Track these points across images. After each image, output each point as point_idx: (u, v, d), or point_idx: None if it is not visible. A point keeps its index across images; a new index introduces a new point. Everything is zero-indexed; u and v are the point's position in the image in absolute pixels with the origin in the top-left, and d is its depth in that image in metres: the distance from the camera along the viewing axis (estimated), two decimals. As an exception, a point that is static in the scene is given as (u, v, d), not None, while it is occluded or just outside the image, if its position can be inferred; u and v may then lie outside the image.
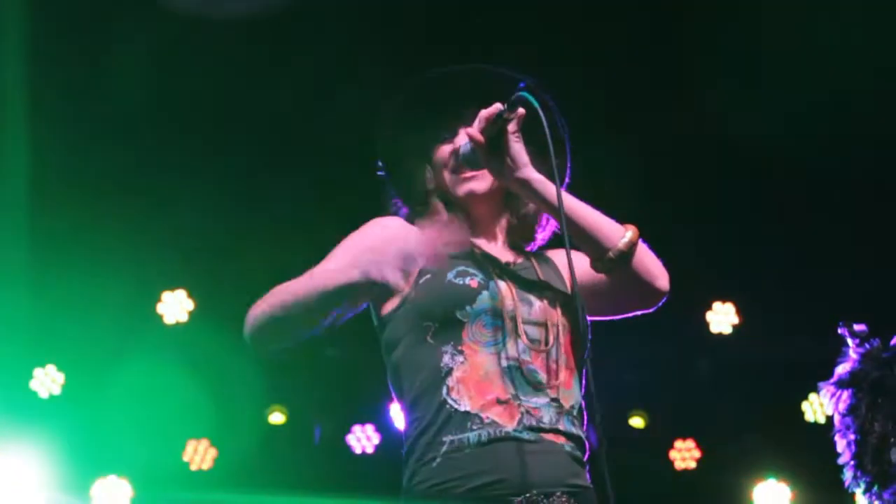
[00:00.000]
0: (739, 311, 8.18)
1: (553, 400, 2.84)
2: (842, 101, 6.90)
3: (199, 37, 6.66)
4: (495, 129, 2.84)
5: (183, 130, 7.08)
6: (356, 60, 6.79)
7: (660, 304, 3.02)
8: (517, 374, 2.82)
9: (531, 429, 2.78)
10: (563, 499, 2.76)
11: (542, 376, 2.85)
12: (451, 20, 6.82)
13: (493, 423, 2.76)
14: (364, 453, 7.60)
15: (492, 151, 2.87)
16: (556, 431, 2.81)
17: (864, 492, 3.89)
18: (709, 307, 8.14)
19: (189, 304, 7.50)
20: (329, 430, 7.63)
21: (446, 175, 3.03)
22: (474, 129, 2.86)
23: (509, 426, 2.77)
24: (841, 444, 3.97)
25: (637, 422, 7.74)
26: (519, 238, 3.13)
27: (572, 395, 2.90)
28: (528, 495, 2.72)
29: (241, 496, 6.87)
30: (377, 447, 7.61)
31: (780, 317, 7.89)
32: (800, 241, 7.65)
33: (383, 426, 7.59)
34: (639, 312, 3.08)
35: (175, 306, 7.49)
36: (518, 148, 2.87)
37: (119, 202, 7.02)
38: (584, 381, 2.95)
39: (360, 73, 6.75)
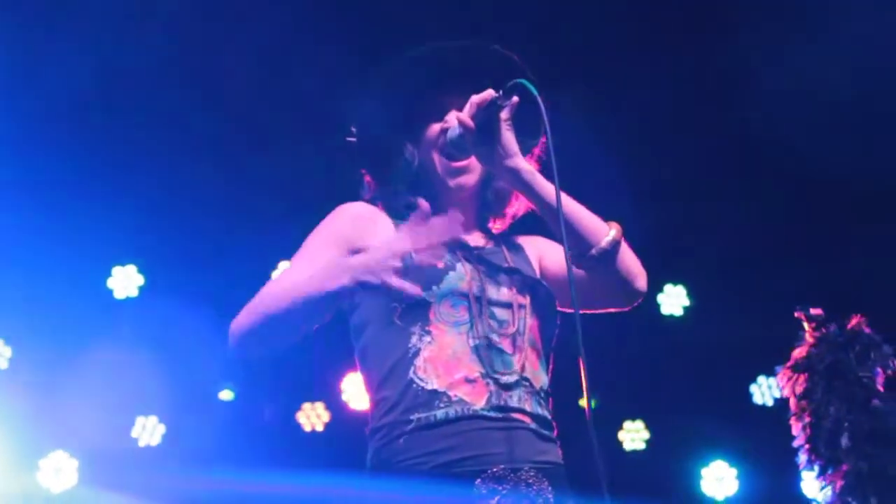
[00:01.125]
0: (691, 294, 8.22)
1: (523, 380, 2.86)
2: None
3: (148, 7, 6.60)
4: (487, 115, 2.84)
5: (134, 105, 7.02)
6: (314, 32, 6.74)
7: (635, 303, 3.03)
8: (486, 354, 2.83)
9: (499, 408, 2.80)
10: (531, 473, 2.78)
11: (511, 357, 2.86)
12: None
13: (461, 402, 2.78)
14: (314, 431, 7.58)
15: (481, 138, 2.87)
16: (523, 411, 2.83)
17: (818, 475, 3.93)
18: (660, 289, 8.17)
19: (139, 280, 7.44)
20: (279, 407, 7.60)
21: (435, 156, 3.04)
22: (465, 115, 2.86)
23: (477, 405, 2.78)
24: (796, 427, 4.01)
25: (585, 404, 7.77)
26: (489, 215, 3.13)
27: (540, 377, 2.92)
28: (494, 470, 2.74)
29: (190, 473, 6.84)
30: (327, 425, 7.59)
31: (730, 300, 7.94)
32: (752, 224, 7.70)
33: (333, 404, 7.57)
34: (613, 310, 3.09)
35: (125, 281, 7.42)
36: (509, 136, 2.87)
37: (68, 176, 6.95)
38: (550, 366, 2.97)
39: (320, 49, 6.71)
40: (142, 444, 7.25)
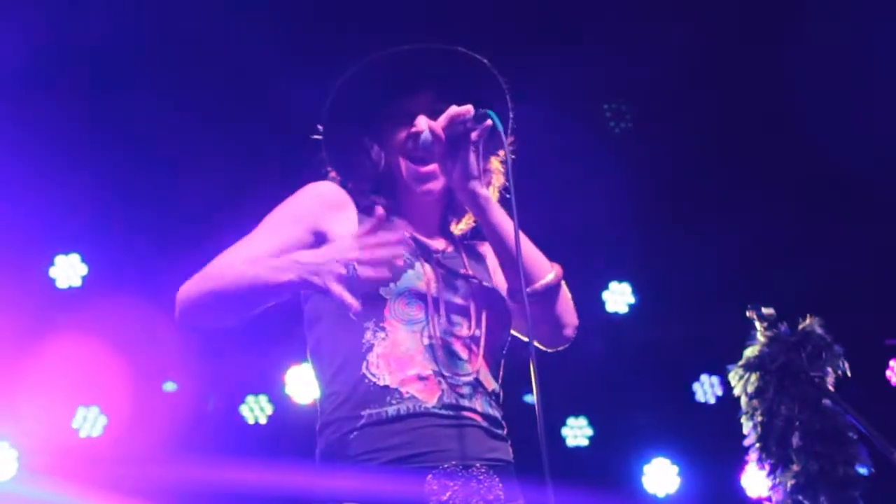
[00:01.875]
0: (635, 292, 8.26)
1: (475, 381, 2.86)
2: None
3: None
4: (458, 131, 2.85)
5: (78, 90, 6.93)
6: (260, 13, 6.71)
7: (559, 349, 3.04)
8: (439, 353, 2.83)
9: (450, 406, 2.80)
10: (483, 470, 2.78)
11: (464, 360, 2.87)
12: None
13: (413, 399, 2.78)
14: (257, 424, 7.55)
15: (448, 152, 2.88)
16: (474, 410, 2.84)
17: (769, 474, 3.96)
18: (605, 286, 8.21)
19: (83, 269, 7.37)
20: (222, 399, 7.56)
21: (401, 161, 3.03)
22: (438, 125, 2.87)
23: (429, 403, 2.79)
24: (747, 426, 4.04)
25: (531, 399, 7.79)
26: (453, 218, 3.13)
27: (491, 382, 2.92)
28: (446, 466, 2.74)
29: (131, 464, 6.79)
30: (270, 418, 7.56)
31: (674, 298, 7.99)
32: (697, 223, 7.75)
33: (277, 397, 7.55)
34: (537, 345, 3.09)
35: (68, 270, 7.35)
36: (472, 159, 2.88)
37: (9, 163, 6.86)
38: (501, 372, 2.98)
39: (265, 31, 6.67)
40: (83, 435, 7.19)
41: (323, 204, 2.96)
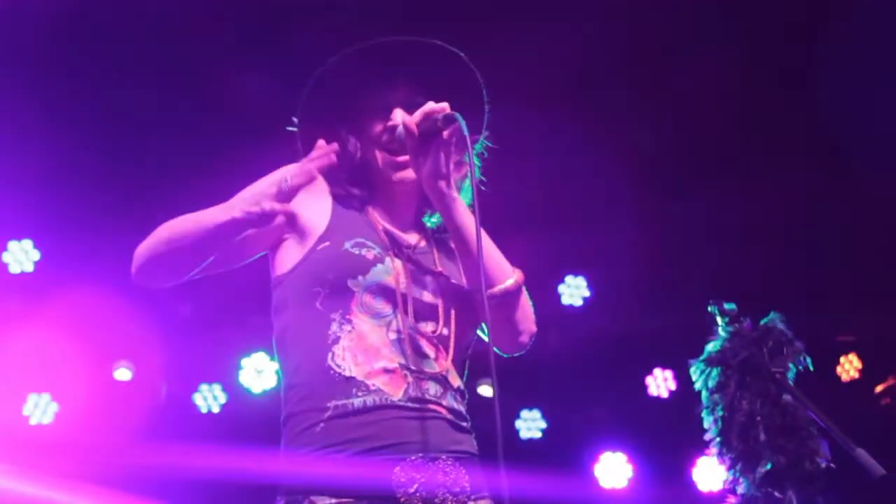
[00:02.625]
0: (590, 285, 8.29)
1: (441, 377, 2.86)
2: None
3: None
4: (431, 128, 2.84)
5: (26, 73, 6.83)
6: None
7: (513, 355, 3.03)
8: (405, 347, 2.83)
9: (416, 399, 2.80)
10: (449, 462, 2.79)
11: (430, 356, 2.87)
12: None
13: (379, 391, 2.78)
14: (210, 412, 7.53)
15: (420, 148, 2.87)
16: (439, 404, 2.84)
17: (730, 468, 3.98)
18: (561, 280, 8.23)
19: (35, 255, 7.31)
20: (175, 387, 7.53)
21: (377, 153, 3.02)
22: (412, 120, 2.85)
23: (395, 396, 2.78)
24: (708, 420, 4.06)
25: (485, 390, 7.81)
26: (429, 210, 3.13)
27: (456, 379, 2.93)
28: (412, 458, 2.75)
29: (83, 452, 6.75)
30: (223, 406, 7.54)
31: (629, 292, 8.03)
32: (652, 217, 7.78)
33: (230, 386, 7.53)
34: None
35: (20, 256, 7.29)
36: (442, 158, 2.86)
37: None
38: (465, 371, 2.99)
39: (215, 21, 6.63)
40: (33, 422, 7.14)
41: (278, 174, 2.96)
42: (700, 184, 7.66)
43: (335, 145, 2.79)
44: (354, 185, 3.04)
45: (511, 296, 2.91)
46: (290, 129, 3.11)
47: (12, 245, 7.28)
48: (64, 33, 6.72)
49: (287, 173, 2.80)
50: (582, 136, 7.30)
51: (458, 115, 2.80)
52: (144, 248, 2.87)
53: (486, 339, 3.08)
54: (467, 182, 3.03)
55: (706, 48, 7.02)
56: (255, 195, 2.82)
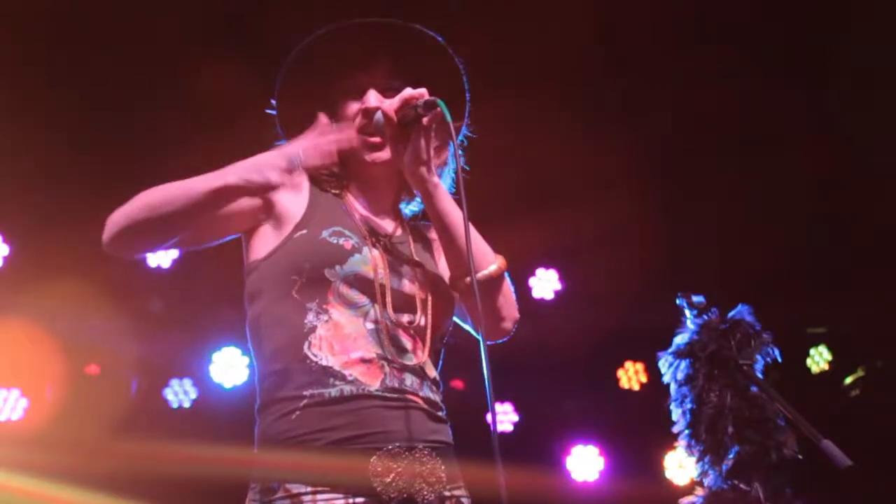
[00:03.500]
0: (562, 278, 8.31)
1: (417, 367, 2.87)
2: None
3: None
4: (410, 115, 2.84)
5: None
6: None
7: (498, 341, 3.03)
8: (383, 338, 2.83)
9: (393, 389, 2.80)
10: (425, 452, 2.79)
11: (407, 344, 2.87)
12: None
13: (356, 381, 2.78)
14: (181, 407, 7.50)
15: (400, 135, 2.88)
16: (416, 394, 2.84)
17: (698, 460, 3.99)
18: (532, 273, 8.24)
19: (3, 250, 7.26)
20: (146, 383, 7.49)
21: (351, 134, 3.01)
22: (390, 107, 2.86)
23: (372, 386, 2.78)
24: (676, 412, 4.06)
25: (457, 384, 7.81)
26: (406, 197, 3.13)
27: (432, 369, 2.94)
28: (390, 448, 2.74)
29: (53, 448, 6.72)
30: (194, 402, 7.52)
31: (600, 285, 8.04)
32: (623, 210, 7.79)
33: (201, 381, 7.50)
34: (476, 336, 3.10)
35: (-10, 252, 7.25)
36: (422, 145, 2.86)
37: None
38: (441, 360, 2.99)
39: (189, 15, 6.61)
40: (2, 418, 7.09)
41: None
42: (670, 177, 7.68)
43: (353, 131, 2.77)
44: (330, 166, 3.00)
45: (494, 282, 2.93)
46: (269, 110, 3.11)
47: (-20, 241, 7.23)
48: (30, 29, 6.68)
49: (299, 149, 2.78)
50: (556, 128, 7.31)
51: (439, 101, 2.79)
52: (121, 215, 2.80)
53: (466, 327, 3.08)
54: (447, 168, 3.04)
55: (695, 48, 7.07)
56: (258, 164, 2.76)
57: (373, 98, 2.97)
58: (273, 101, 3.10)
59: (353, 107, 3.02)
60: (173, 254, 7.38)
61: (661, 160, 7.66)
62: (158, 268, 7.37)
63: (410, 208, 3.17)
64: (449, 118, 2.78)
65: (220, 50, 6.49)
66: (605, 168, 7.62)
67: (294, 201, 2.94)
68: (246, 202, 2.87)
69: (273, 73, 3.09)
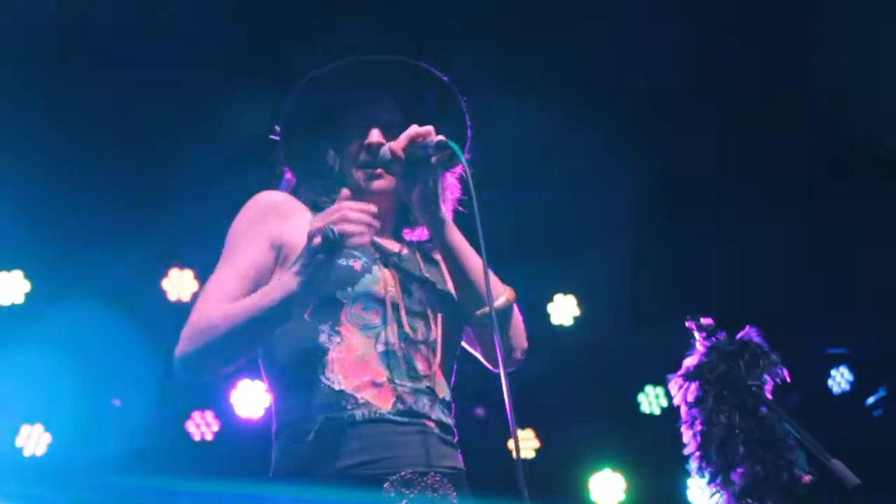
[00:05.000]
0: (580, 304, 8.31)
1: (428, 388, 2.88)
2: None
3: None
4: (418, 153, 2.86)
5: (9, 105, 6.83)
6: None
7: (508, 371, 3.04)
8: (393, 360, 2.86)
9: (405, 412, 2.82)
10: (437, 478, 2.81)
11: (418, 365, 2.89)
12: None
13: (368, 405, 2.80)
14: (203, 440, 7.50)
15: (407, 171, 2.90)
16: (428, 417, 2.86)
17: (710, 481, 3.99)
18: (550, 299, 8.25)
19: (26, 286, 7.30)
20: (168, 416, 7.50)
21: (354, 170, 3.05)
22: (398, 144, 2.88)
23: (384, 408, 2.80)
24: (687, 434, 4.06)
25: (478, 412, 7.81)
26: (406, 225, 3.16)
27: (444, 388, 2.95)
28: (402, 474, 2.76)
29: (77, 483, 6.73)
30: (216, 434, 7.52)
31: (619, 311, 8.04)
32: (640, 236, 7.80)
33: (223, 413, 7.50)
34: (488, 366, 3.12)
35: (11, 287, 7.28)
36: (431, 182, 2.91)
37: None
38: (453, 378, 3.00)
39: (206, 38, 6.65)
40: (27, 453, 7.11)
41: (271, 215, 2.99)
42: (690, 202, 7.69)
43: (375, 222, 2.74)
44: (331, 195, 3.02)
45: (504, 313, 2.96)
46: (273, 136, 3.14)
47: (2, 276, 7.27)
48: (50, 55, 6.74)
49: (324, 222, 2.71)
50: (574, 156, 7.34)
51: (450, 142, 2.82)
52: (195, 348, 2.80)
53: (476, 354, 3.10)
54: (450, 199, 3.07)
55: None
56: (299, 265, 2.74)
57: (375, 135, 3.01)
58: (277, 136, 3.14)
59: (355, 142, 3.06)
60: (193, 286, 7.42)
61: (679, 184, 7.66)
62: (178, 302, 7.40)
63: (413, 236, 3.20)
64: (462, 158, 2.81)
65: (252, 84, 6.54)
66: (623, 195, 7.64)
67: (298, 230, 2.95)
68: (269, 270, 2.91)
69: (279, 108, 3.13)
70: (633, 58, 7.05)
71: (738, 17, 7.07)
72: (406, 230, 3.18)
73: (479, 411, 7.73)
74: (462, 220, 3.01)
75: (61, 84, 6.82)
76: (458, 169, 3.03)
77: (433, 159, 2.86)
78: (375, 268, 2.93)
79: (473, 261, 2.95)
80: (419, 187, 2.90)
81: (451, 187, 3.08)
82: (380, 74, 3.08)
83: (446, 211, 2.99)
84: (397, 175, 2.93)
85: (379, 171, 3.00)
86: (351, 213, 2.66)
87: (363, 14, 6.58)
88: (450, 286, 3.08)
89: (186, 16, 6.64)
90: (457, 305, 3.03)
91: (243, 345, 2.81)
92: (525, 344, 3.06)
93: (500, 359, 2.68)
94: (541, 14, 7.00)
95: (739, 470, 3.91)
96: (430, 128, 2.87)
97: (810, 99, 7.12)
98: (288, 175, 3.16)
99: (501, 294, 2.96)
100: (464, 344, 3.10)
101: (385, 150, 2.92)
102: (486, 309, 2.87)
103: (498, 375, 2.73)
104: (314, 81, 3.09)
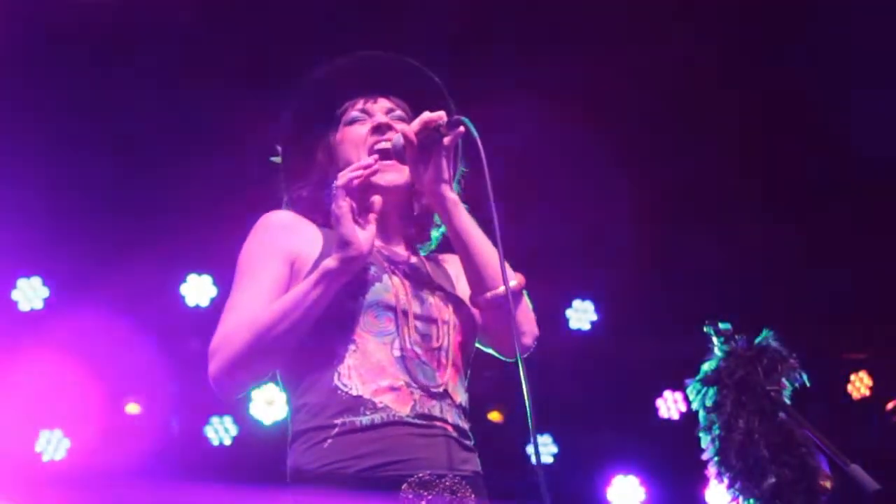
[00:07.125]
0: (598, 309, 8.30)
1: (444, 393, 2.89)
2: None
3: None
4: (430, 136, 2.88)
5: (29, 110, 6.85)
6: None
7: (522, 357, 3.04)
8: (410, 365, 2.86)
9: (423, 416, 2.83)
10: (455, 481, 2.81)
11: (434, 370, 2.89)
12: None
13: (386, 408, 2.81)
14: (222, 445, 7.52)
15: (420, 156, 2.91)
16: (445, 421, 2.86)
17: (729, 486, 3.99)
18: (569, 304, 8.24)
19: (44, 292, 7.33)
20: (186, 421, 7.52)
21: (363, 154, 3.03)
22: (411, 129, 2.89)
23: (402, 412, 2.81)
24: (705, 440, 4.07)
25: (495, 416, 7.81)
26: (414, 235, 3.16)
27: (460, 393, 2.96)
28: (420, 476, 2.76)
29: (95, 488, 6.75)
30: (235, 439, 7.53)
31: (637, 315, 8.03)
32: (658, 241, 7.79)
33: (241, 418, 7.52)
34: (497, 356, 3.11)
35: (30, 293, 7.31)
36: (444, 163, 2.91)
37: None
38: (467, 383, 3.00)
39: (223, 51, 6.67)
40: (46, 458, 7.13)
41: (281, 232, 3.00)
42: (710, 207, 7.68)
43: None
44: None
45: (516, 296, 2.94)
46: (274, 159, 3.17)
47: (21, 282, 7.30)
48: (80, 64, 6.77)
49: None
50: (593, 161, 7.34)
51: (464, 118, 2.85)
52: (232, 363, 2.81)
53: (489, 351, 3.10)
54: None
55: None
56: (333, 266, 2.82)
57: (380, 117, 3.06)
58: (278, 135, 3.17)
59: (363, 129, 3.06)
60: (212, 292, 7.43)
61: (698, 190, 7.65)
62: (197, 307, 7.43)
63: (422, 241, 3.20)
64: (475, 134, 2.83)
65: (263, 93, 6.56)
66: (641, 199, 7.63)
67: (307, 244, 2.98)
68: (287, 285, 2.93)
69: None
70: (640, 66, 7.04)
71: (737, 22, 7.07)
72: (413, 233, 3.17)
73: (496, 417, 7.73)
74: (475, 206, 3.02)
75: (82, 94, 6.84)
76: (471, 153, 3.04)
77: (446, 140, 2.88)
78: (386, 276, 2.94)
79: (484, 243, 2.95)
80: (431, 167, 2.91)
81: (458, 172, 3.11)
82: (381, 72, 3.13)
83: (454, 193, 2.99)
84: (410, 161, 2.94)
85: (391, 161, 2.99)
86: (348, 173, 2.80)
87: (378, 26, 6.60)
88: (460, 292, 3.08)
89: (204, 27, 6.68)
90: (469, 311, 3.03)
91: (289, 339, 2.81)
92: (536, 330, 3.04)
93: (516, 337, 2.73)
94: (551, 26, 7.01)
95: (764, 475, 3.91)
96: (442, 112, 2.89)
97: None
98: (286, 198, 3.17)
99: (512, 278, 2.96)
100: (477, 345, 3.10)
101: (398, 137, 2.94)
102: (499, 290, 2.88)
103: (512, 379, 2.74)
104: (313, 85, 3.15)
